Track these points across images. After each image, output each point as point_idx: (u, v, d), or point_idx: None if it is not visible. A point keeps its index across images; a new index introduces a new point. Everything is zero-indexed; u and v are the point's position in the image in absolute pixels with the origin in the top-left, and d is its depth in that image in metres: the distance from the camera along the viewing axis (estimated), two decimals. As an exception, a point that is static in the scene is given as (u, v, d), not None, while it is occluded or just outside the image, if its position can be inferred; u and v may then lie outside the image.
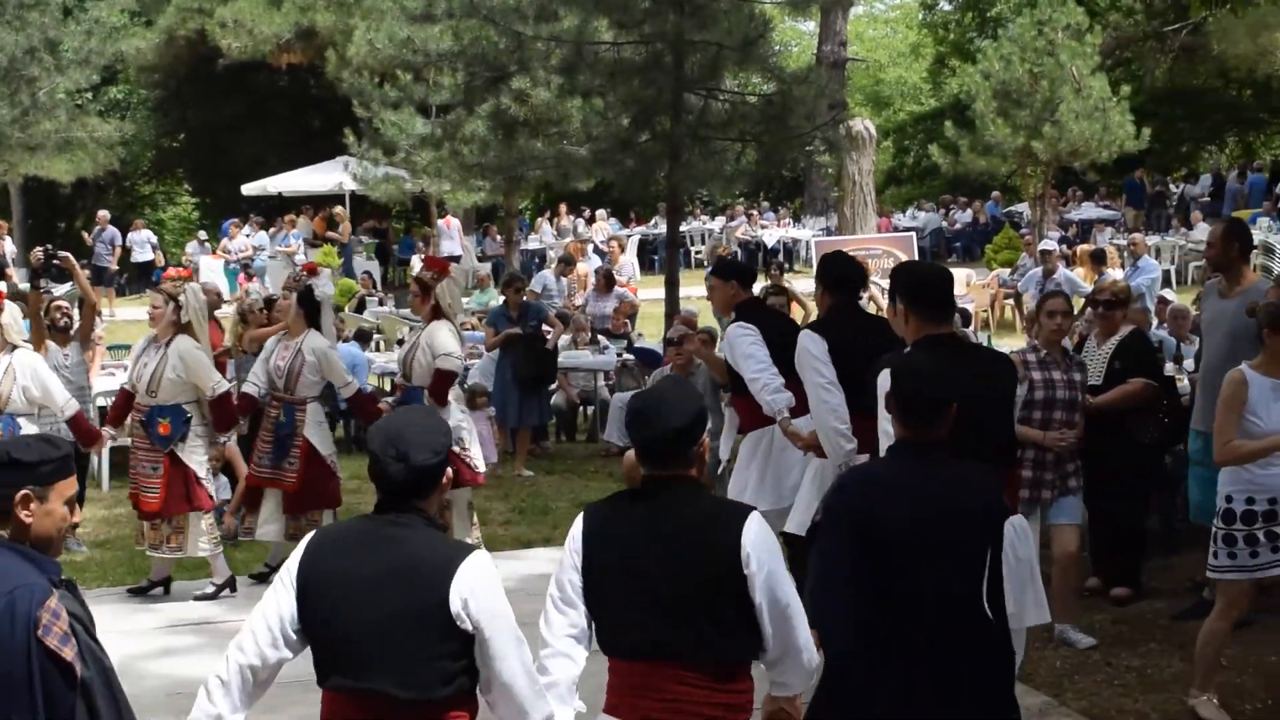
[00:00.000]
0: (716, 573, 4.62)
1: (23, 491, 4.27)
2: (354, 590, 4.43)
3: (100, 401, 14.00)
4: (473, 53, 18.42)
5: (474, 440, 11.54)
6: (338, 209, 34.42)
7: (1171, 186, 38.77)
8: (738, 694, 4.71)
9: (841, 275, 8.88)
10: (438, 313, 11.34)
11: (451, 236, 33.11)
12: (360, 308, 25.65)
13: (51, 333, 12.73)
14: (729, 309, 9.76)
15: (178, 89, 42.31)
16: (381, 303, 27.00)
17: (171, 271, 11.60)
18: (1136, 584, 10.24)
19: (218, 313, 15.77)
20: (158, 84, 42.60)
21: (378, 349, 20.71)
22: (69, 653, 4.16)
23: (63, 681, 4.15)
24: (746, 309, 9.63)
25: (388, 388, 18.14)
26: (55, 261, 11.73)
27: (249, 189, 36.80)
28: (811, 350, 8.05)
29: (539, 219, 40.62)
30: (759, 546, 4.64)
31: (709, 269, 10.13)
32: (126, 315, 29.26)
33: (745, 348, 9.09)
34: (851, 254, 11.83)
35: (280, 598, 4.53)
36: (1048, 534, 8.97)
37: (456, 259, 30.11)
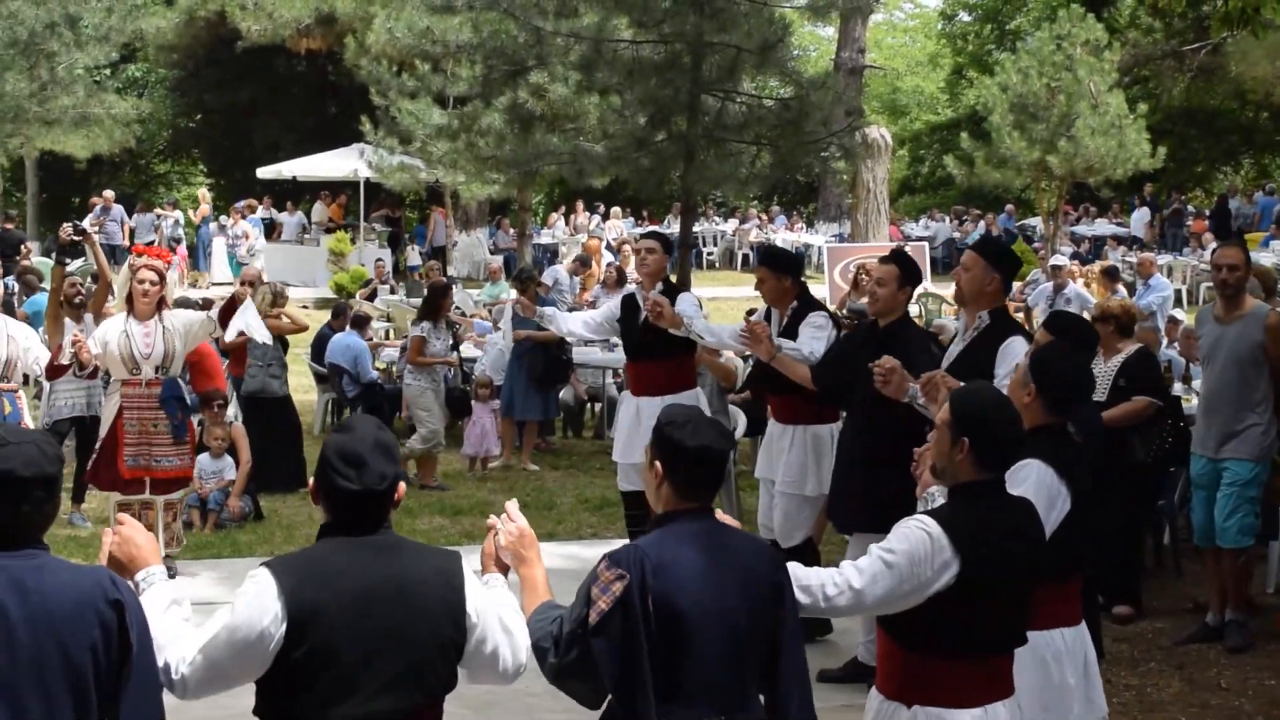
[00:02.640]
0: None
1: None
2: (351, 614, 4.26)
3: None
4: (492, 45, 18.40)
5: None
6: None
7: (1189, 206, 38.78)
8: None
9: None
10: None
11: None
12: (372, 296, 25.69)
13: (67, 307, 12.87)
14: (781, 302, 9.79)
15: (196, 69, 42.38)
16: (393, 291, 27.03)
17: (141, 248, 11.71)
18: (1138, 603, 10.25)
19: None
20: (176, 63, 42.66)
21: (387, 337, 20.75)
22: None
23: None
24: (809, 302, 9.81)
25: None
26: (78, 238, 11.76)
27: (264, 172, 36.83)
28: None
29: (552, 214, 40.68)
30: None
31: (758, 259, 10.13)
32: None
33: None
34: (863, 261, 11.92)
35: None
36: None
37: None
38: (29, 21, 25.88)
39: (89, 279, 14.44)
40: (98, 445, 11.08)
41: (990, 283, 7.85)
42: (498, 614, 4.48)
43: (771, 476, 9.81)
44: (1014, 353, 7.46)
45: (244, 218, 34.63)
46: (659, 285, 10.73)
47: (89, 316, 13.10)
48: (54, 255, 14.23)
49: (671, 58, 15.70)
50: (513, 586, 4.72)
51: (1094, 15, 30.21)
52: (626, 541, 10.97)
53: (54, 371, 10.90)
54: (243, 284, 11.57)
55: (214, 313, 11.23)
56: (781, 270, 9.90)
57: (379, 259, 30.70)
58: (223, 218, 35.93)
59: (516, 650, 4.50)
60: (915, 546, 4.85)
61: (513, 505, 4.86)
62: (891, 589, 4.85)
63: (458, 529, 12.78)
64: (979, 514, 4.94)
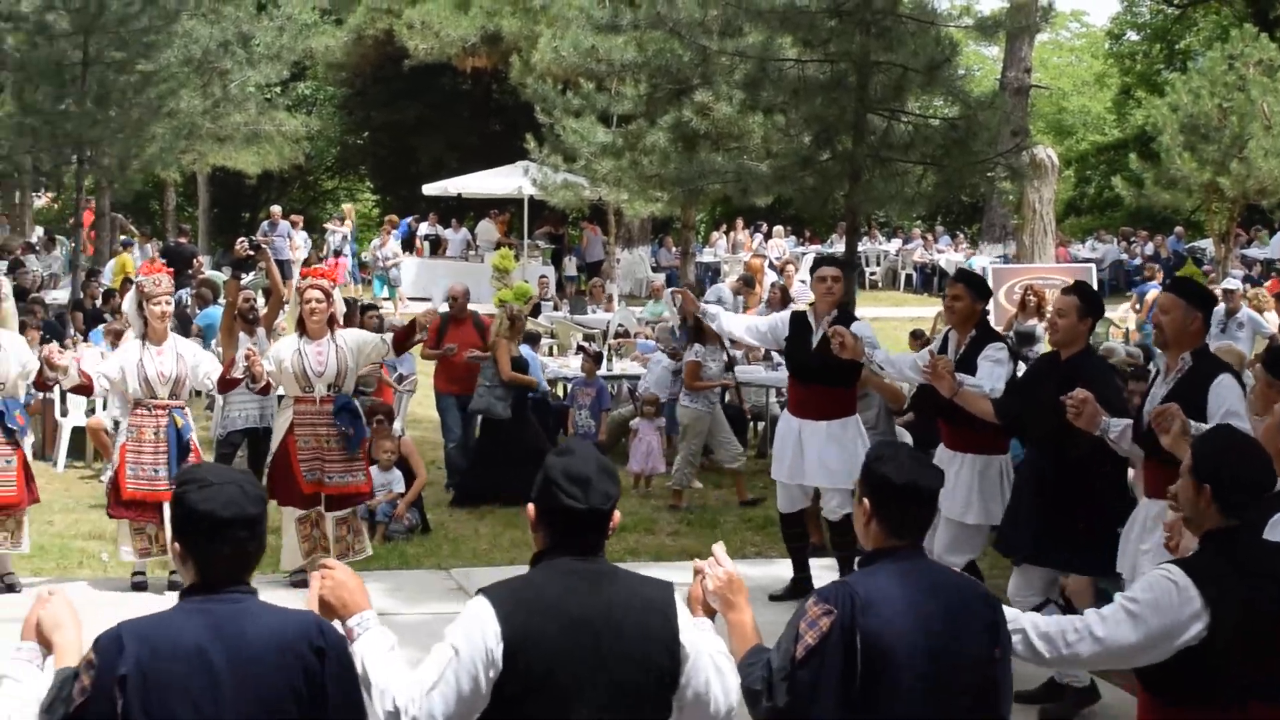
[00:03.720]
0: None
1: None
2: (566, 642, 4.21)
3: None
4: (656, 64, 18.51)
5: None
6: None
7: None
8: None
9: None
10: None
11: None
12: (536, 312, 25.87)
13: (240, 321, 13.13)
14: (965, 326, 9.76)
15: (364, 87, 43.04)
16: (556, 307, 27.20)
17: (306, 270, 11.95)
18: None
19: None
20: (344, 81, 43.37)
21: (550, 354, 20.88)
22: None
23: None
24: (988, 332, 9.83)
25: (562, 392, 18.29)
26: (253, 252, 12.03)
27: (430, 189, 37.26)
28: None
29: (714, 232, 40.71)
30: None
31: (955, 278, 10.08)
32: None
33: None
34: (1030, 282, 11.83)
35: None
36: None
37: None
38: (203, 40, 26.42)
39: (262, 293, 14.72)
40: (269, 460, 11.29)
41: (1192, 322, 7.67)
42: (709, 652, 4.43)
43: (944, 507, 9.74)
44: (1226, 392, 7.35)
45: (390, 234, 35.04)
46: (834, 312, 10.75)
47: (261, 330, 13.36)
48: (229, 269, 14.51)
49: (837, 77, 15.64)
50: (720, 631, 4.66)
51: (1267, 35, 29.62)
52: (790, 562, 11.02)
53: (226, 385, 11.11)
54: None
55: (389, 336, 11.37)
56: (979, 294, 9.87)
57: (542, 275, 30.91)
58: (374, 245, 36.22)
59: (728, 691, 4.43)
60: (1160, 595, 4.76)
61: (719, 549, 4.81)
62: (1135, 637, 4.77)
63: (622, 546, 12.83)
64: (1229, 562, 4.80)
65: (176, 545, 4.10)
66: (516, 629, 4.15)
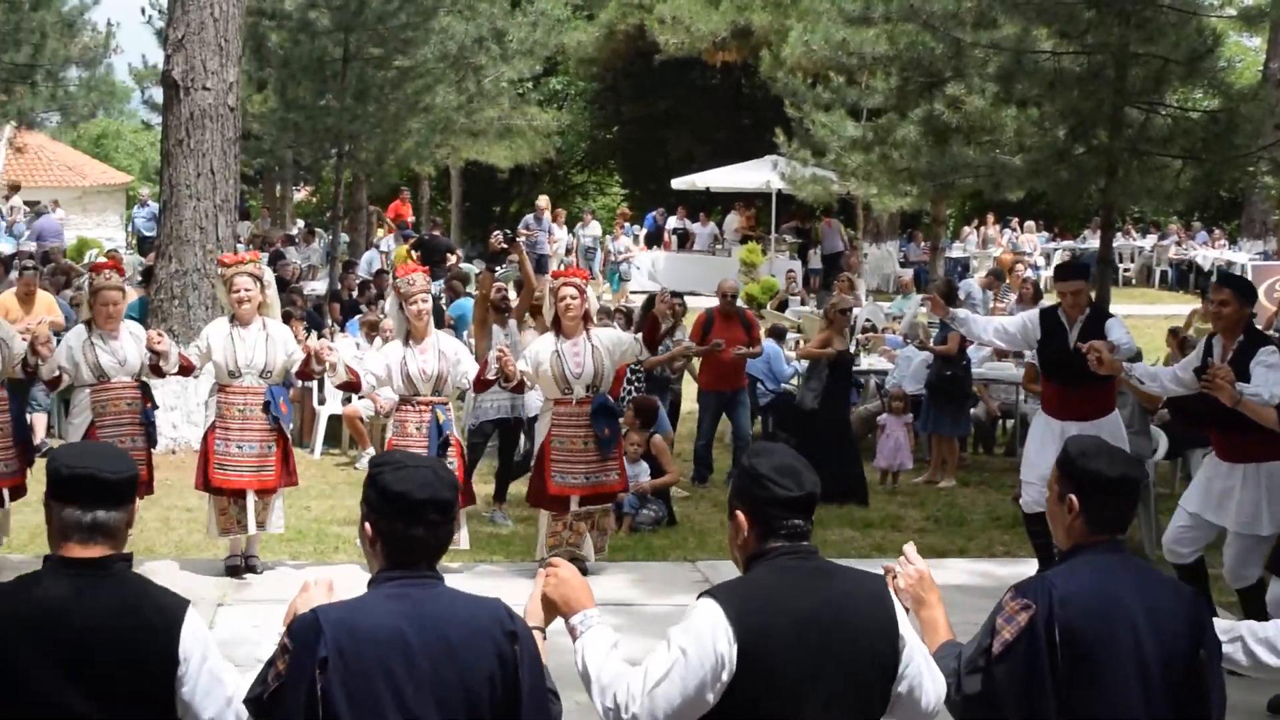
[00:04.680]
0: None
1: None
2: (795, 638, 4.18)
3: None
4: (908, 57, 18.33)
5: None
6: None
7: None
8: None
9: None
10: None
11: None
12: (782, 306, 25.86)
13: (493, 312, 13.32)
14: (1232, 332, 9.52)
15: (614, 82, 43.41)
16: (803, 301, 27.15)
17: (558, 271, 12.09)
18: None
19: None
20: (595, 76, 43.77)
21: (797, 348, 20.84)
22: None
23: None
24: (1256, 336, 9.56)
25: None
26: (506, 246, 12.21)
27: (678, 183, 37.41)
28: None
29: (964, 227, 40.27)
30: None
31: (1221, 282, 9.86)
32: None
33: None
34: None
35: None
36: None
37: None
38: (459, 36, 26.84)
39: (514, 285, 14.92)
40: (531, 464, 11.42)
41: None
42: (922, 646, 4.42)
43: (1220, 520, 9.47)
44: None
45: (623, 229, 35.20)
46: (1086, 312, 10.56)
47: (513, 322, 13.53)
48: (482, 261, 14.73)
49: (1094, 69, 15.35)
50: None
51: None
52: (1036, 562, 10.85)
53: (481, 385, 11.28)
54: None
55: (640, 335, 11.42)
56: (1246, 298, 9.61)
57: (789, 270, 30.86)
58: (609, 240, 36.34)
59: (937, 686, 4.39)
60: None
61: (910, 548, 4.80)
62: None
63: (868, 542, 12.76)
64: None
65: (367, 527, 4.15)
66: (749, 630, 4.12)
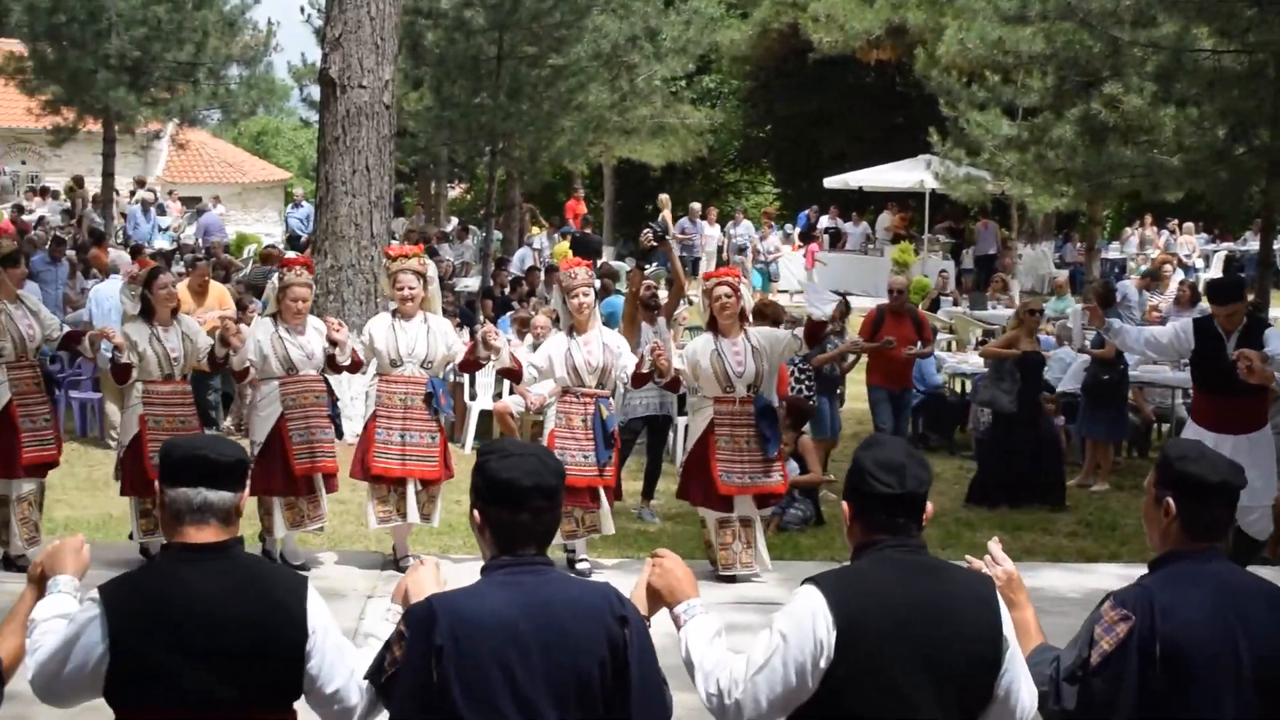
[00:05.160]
0: None
1: None
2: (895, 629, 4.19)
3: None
4: (1065, 56, 18.16)
5: None
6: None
7: None
8: None
9: None
10: None
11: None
12: (934, 306, 25.67)
13: (642, 309, 13.35)
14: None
15: (767, 81, 43.35)
16: (955, 302, 26.92)
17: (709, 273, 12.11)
18: None
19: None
20: (748, 75, 43.74)
21: (948, 349, 20.69)
22: None
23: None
24: None
25: (960, 388, 18.12)
26: (656, 244, 12.26)
27: (831, 182, 37.28)
28: None
29: (1125, 229, 39.70)
30: None
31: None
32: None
33: None
34: None
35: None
36: None
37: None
38: (612, 35, 27.00)
39: (665, 283, 14.98)
40: (682, 460, 11.44)
41: None
42: (1020, 653, 4.38)
43: None
44: None
45: (770, 227, 35.02)
46: (1244, 321, 10.41)
47: (662, 320, 13.56)
48: (632, 259, 14.80)
49: (1255, 68, 15.11)
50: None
51: None
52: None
53: (638, 380, 11.30)
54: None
55: (799, 331, 11.38)
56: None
57: (942, 270, 30.62)
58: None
59: (1032, 692, 4.35)
60: None
61: (995, 546, 4.76)
62: None
63: (1018, 545, 12.61)
64: None
65: (476, 514, 4.21)
66: (848, 617, 4.13)
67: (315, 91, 17.72)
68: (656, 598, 4.44)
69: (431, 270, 11.50)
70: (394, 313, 11.31)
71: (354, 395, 15.07)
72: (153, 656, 4.15)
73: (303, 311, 11.09)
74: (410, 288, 11.14)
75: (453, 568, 8.43)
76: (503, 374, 12.09)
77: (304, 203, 35.83)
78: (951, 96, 23.39)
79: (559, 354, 11.03)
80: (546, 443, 10.93)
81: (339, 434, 11.58)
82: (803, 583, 4.29)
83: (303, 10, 33.89)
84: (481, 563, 4.21)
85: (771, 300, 13.22)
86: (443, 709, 3.94)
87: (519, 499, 4.10)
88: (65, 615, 4.32)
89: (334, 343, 11.05)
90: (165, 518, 4.31)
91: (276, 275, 11.42)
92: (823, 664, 4.13)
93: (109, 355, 11.15)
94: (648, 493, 13.54)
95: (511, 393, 15.25)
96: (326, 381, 11.38)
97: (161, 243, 29.96)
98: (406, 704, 4.01)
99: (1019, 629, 4.54)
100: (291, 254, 11.53)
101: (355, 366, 11.49)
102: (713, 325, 11.08)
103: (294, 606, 4.27)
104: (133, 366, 10.78)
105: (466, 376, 15.44)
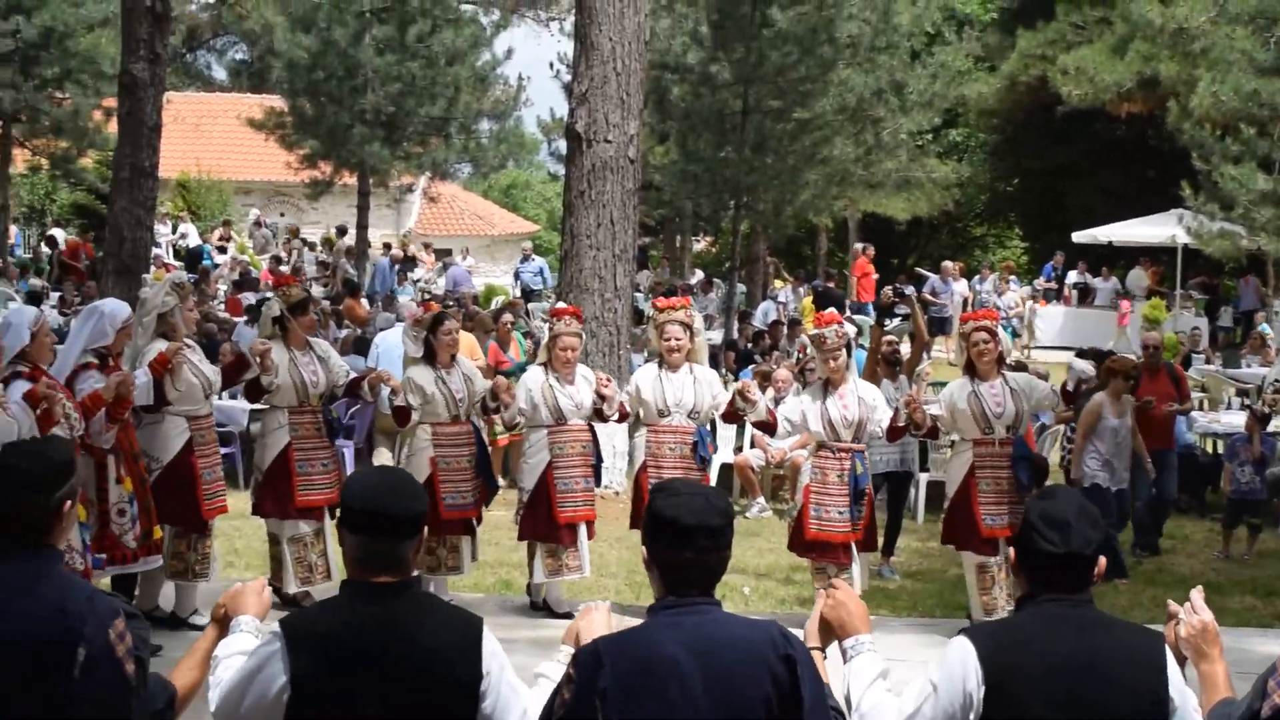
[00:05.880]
0: None
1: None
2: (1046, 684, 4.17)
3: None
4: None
5: None
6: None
7: None
8: None
9: None
10: None
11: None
12: (1186, 364, 25.10)
13: (883, 365, 13.31)
14: None
15: (1014, 134, 42.86)
16: (1208, 360, 26.31)
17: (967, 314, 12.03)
18: None
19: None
20: (995, 128, 43.33)
21: (1200, 408, 20.22)
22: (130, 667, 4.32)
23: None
24: None
25: (1212, 448, 17.69)
26: (897, 299, 12.23)
27: (1079, 236, 36.71)
28: None
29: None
30: None
31: None
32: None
33: None
34: None
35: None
36: None
37: None
38: (858, 88, 26.97)
39: (906, 338, 14.90)
40: (946, 505, 11.37)
41: None
42: (1192, 707, 4.31)
43: None
44: None
45: (1009, 283, 34.42)
46: None
47: (903, 376, 13.51)
48: (873, 314, 14.78)
49: None
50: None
51: None
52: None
53: (894, 433, 11.28)
54: None
55: (1058, 386, 11.31)
56: None
57: (1195, 327, 29.95)
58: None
59: None
60: None
61: (1197, 595, 4.62)
62: None
63: (1270, 611, 12.26)
64: None
65: (644, 552, 4.25)
66: (998, 671, 4.13)
67: (563, 146, 17.99)
68: (829, 630, 4.46)
69: (698, 321, 11.62)
70: (660, 363, 11.45)
71: (617, 448, 15.23)
72: (330, 690, 4.22)
73: (572, 361, 11.29)
74: (677, 338, 11.29)
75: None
76: (758, 425, 12.16)
77: (534, 257, 36.34)
78: (1205, 150, 23.00)
79: (814, 410, 11.03)
80: (802, 498, 10.95)
81: (598, 482, 11.73)
82: (957, 632, 4.33)
83: (551, 66, 34.49)
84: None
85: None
86: None
87: (683, 538, 4.12)
88: (246, 652, 4.44)
89: (602, 397, 11.24)
90: (347, 557, 4.38)
91: (547, 326, 11.68)
92: (972, 716, 4.16)
93: (388, 399, 11.50)
94: (888, 549, 13.45)
95: (753, 445, 15.29)
96: (593, 431, 11.51)
97: (404, 297, 30.61)
98: None
99: (1205, 682, 4.47)
100: (561, 305, 11.75)
101: (623, 417, 11.70)
102: (970, 369, 11.04)
103: (470, 647, 4.32)
104: (412, 409, 11.11)
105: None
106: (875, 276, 32.93)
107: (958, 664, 4.20)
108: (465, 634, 4.35)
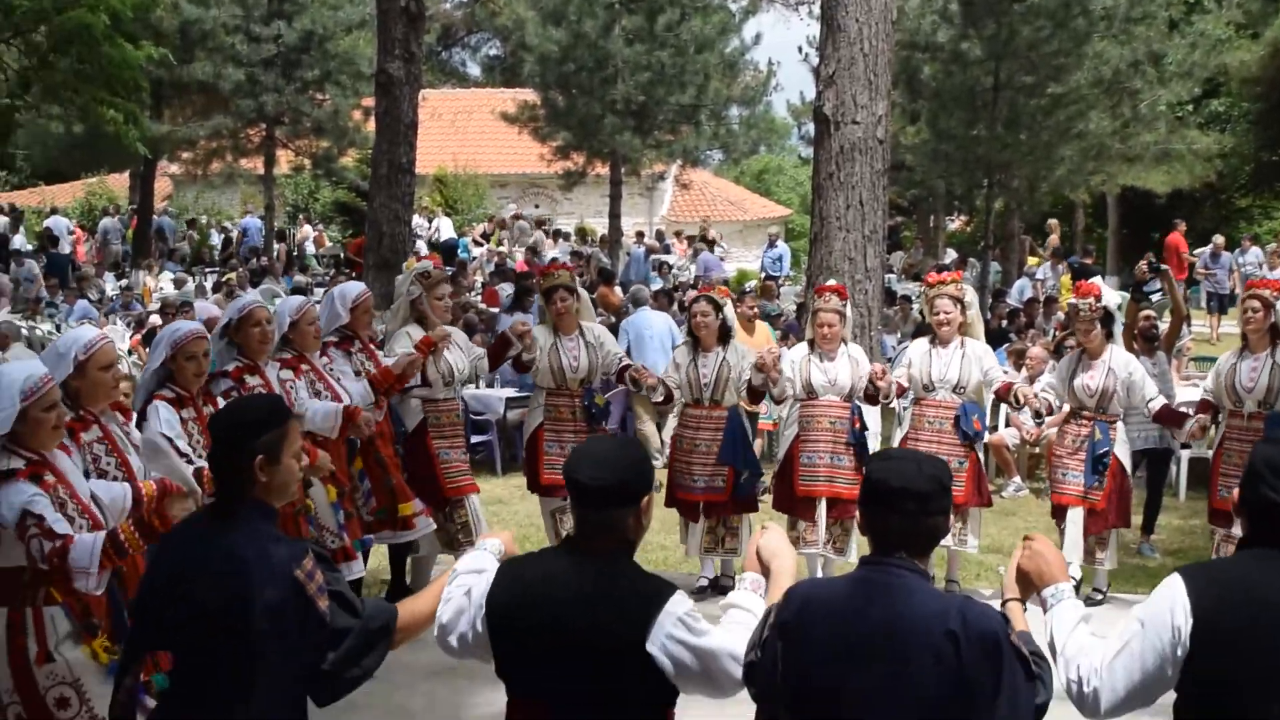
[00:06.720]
0: None
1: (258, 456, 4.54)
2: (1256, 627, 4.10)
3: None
4: None
5: None
6: None
7: None
8: None
9: None
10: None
11: None
12: None
13: (1139, 341, 13.11)
14: None
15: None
16: None
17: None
18: None
19: None
20: (1260, 96, 42.06)
21: None
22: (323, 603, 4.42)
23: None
24: None
25: None
26: (1152, 275, 12.02)
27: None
28: None
29: None
30: None
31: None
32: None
33: None
34: None
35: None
36: None
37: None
38: (1113, 60, 26.42)
39: (1166, 313, 14.63)
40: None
41: None
42: None
43: None
44: None
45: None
46: None
47: (1161, 353, 13.32)
48: (1131, 290, 14.52)
49: None
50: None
51: None
52: None
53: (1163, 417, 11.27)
54: None
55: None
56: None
57: None
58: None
59: None
60: None
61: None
62: None
63: None
64: None
65: (858, 516, 4.34)
66: (1207, 609, 4.07)
67: (812, 129, 17.96)
68: (1027, 581, 4.48)
69: (970, 295, 11.56)
70: (932, 339, 11.46)
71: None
72: (510, 641, 4.41)
73: (830, 337, 11.25)
74: (947, 312, 11.29)
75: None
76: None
77: (778, 243, 36.26)
78: None
79: (1063, 381, 11.22)
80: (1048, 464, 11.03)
81: (861, 461, 11.67)
82: (1172, 571, 4.26)
83: (800, 50, 34.47)
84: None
85: None
86: (780, 688, 4.14)
87: (888, 500, 4.17)
88: (481, 570, 4.63)
89: (875, 387, 11.19)
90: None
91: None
92: (1179, 653, 4.10)
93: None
94: (1147, 527, 13.23)
95: (1008, 424, 15.15)
96: (856, 409, 11.41)
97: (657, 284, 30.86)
98: (764, 683, 4.21)
99: None
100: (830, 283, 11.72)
101: (901, 392, 11.70)
102: (1244, 340, 10.95)
103: (650, 610, 4.31)
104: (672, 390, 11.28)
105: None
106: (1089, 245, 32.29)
107: (1166, 600, 4.16)
108: (651, 600, 4.36)
